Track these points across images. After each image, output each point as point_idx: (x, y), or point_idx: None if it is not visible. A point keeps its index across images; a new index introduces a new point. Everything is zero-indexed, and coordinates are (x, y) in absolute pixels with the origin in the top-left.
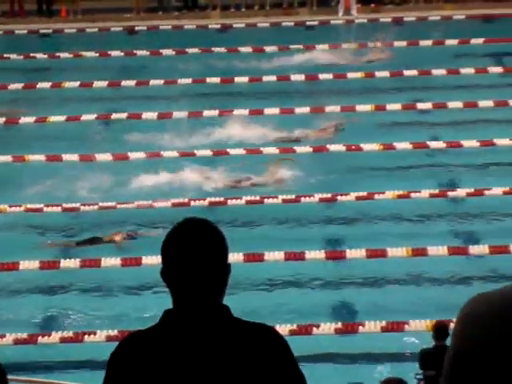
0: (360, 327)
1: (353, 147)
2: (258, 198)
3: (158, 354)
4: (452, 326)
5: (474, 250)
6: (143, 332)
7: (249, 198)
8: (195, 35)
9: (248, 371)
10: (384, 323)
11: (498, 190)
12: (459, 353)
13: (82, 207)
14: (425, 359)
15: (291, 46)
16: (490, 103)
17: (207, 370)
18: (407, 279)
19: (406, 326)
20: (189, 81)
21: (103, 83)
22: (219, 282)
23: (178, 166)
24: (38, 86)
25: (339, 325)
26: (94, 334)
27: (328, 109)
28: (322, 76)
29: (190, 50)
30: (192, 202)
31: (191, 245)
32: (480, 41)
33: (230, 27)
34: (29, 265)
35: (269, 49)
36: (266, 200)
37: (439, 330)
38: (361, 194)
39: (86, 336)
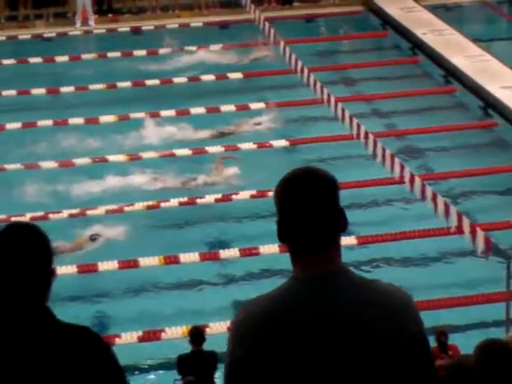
0: (117, 339)
1: (97, 159)
2: None
3: None
4: (208, 330)
5: (225, 253)
6: None
7: None
8: None
9: (68, 372)
10: (141, 333)
11: (245, 194)
12: (235, 358)
13: None
14: (182, 364)
15: (30, 59)
16: (232, 107)
17: (26, 371)
18: (162, 288)
19: (163, 334)
20: None
21: None
22: (42, 285)
23: None
24: None
25: None
26: None
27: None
28: (63, 89)
29: None
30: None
31: (13, 249)
32: (217, 47)
33: None
34: None
35: (5, 62)
36: None
37: (195, 335)
38: (110, 207)
39: None
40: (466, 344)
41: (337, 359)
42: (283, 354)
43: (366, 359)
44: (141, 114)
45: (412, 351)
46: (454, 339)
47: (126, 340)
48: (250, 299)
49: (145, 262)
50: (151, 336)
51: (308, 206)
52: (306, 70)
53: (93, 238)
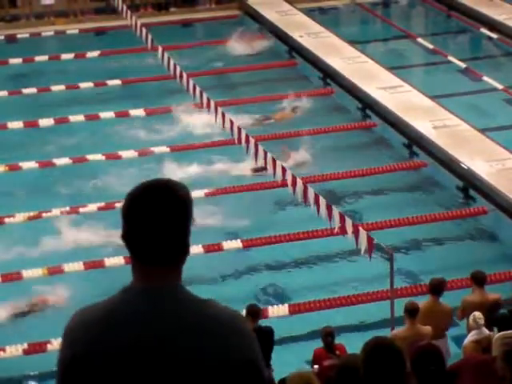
0: (1, 352)
1: None
2: None
3: None
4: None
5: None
6: None
7: None
8: None
9: None
10: (26, 346)
11: (56, 211)
12: (65, 360)
13: None
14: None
15: None
16: (111, 114)
17: None
18: None
19: (49, 346)
20: None
21: None
22: None
23: None
24: None
25: None
26: None
27: None
28: None
29: None
30: None
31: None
32: (95, 54)
33: None
34: None
35: None
36: None
37: None
38: None
39: None
40: (352, 343)
41: (153, 375)
42: (102, 365)
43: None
44: (19, 124)
45: (239, 378)
46: (340, 339)
47: (11, 353)
48: (83, 305)
49: (28, 273)
50: (37, 348)
51: (144, 222)
52: (185, 76)
53: None
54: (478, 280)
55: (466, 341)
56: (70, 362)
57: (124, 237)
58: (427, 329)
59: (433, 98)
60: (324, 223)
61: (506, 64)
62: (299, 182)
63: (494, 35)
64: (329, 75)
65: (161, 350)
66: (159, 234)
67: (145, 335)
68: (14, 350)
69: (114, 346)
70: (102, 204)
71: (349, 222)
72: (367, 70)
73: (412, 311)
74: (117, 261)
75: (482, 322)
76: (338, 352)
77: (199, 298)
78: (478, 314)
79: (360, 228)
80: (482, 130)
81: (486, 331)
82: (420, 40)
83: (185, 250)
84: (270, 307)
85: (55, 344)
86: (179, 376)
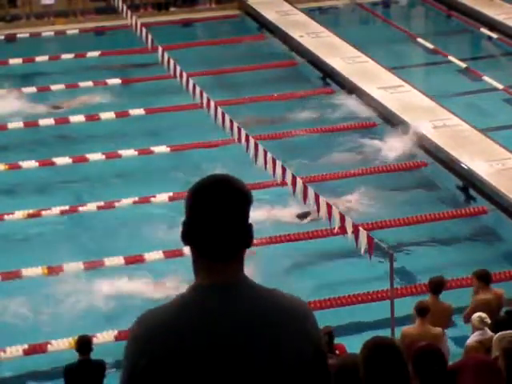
0: (1, 353)
1: None
2: None
3: None
4: (94, 340)
5: None
6: None
7: None
8: None
9: None
10: (26, 346)
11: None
12: (137, 370)
13: None
14: (68, 375)
15: None
16: (111, 115)
17: None
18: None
19: (49, 346)
20: None
21: None
22: None
23: None
24: None
25: None
26: None
27: None
28: None
29: None
30: None
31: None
32: (96, 54)
33: None
34: None
35: None
36: None
37: (82, 344)
38: None
39: None
40: (352, 343)
41: (237, 370)
42: (183, 367)
43: (267, 370)
44: (19, 124)
45: (313, 357)
46: (340, 339)
47: (11, 354)
48: (145, 311)
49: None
50: (37, 349)
51: (212, 216)
52: (184, 75)
53: None
54: (484, 278)
55: (470, 340)
56: (144, 370)
57: (188, 234)
58: (438, 330)
59: (433, 97)
60: (324, 223)
61: (506, 64)
62: (299, 182)
63: (494, 35)
64: (329, 75)
65: (239, 347)
66: (225, 228)
67: (221, 335)
68: (14, 350)
69: (191, 349)
70: (102, 203)
71: (349, 222)
72: (367, 69)
73: (421, 310)
74: None
75: (488, 321)
76: (337, 352)
77: (266, 288)
78: (483, 314)
79: (360, 228)
80: (482, 130)
81: (489, 332)
82: (420, 40)
83: (248, 243)
84: None
85: (55, 344)
86: (260, 374)
